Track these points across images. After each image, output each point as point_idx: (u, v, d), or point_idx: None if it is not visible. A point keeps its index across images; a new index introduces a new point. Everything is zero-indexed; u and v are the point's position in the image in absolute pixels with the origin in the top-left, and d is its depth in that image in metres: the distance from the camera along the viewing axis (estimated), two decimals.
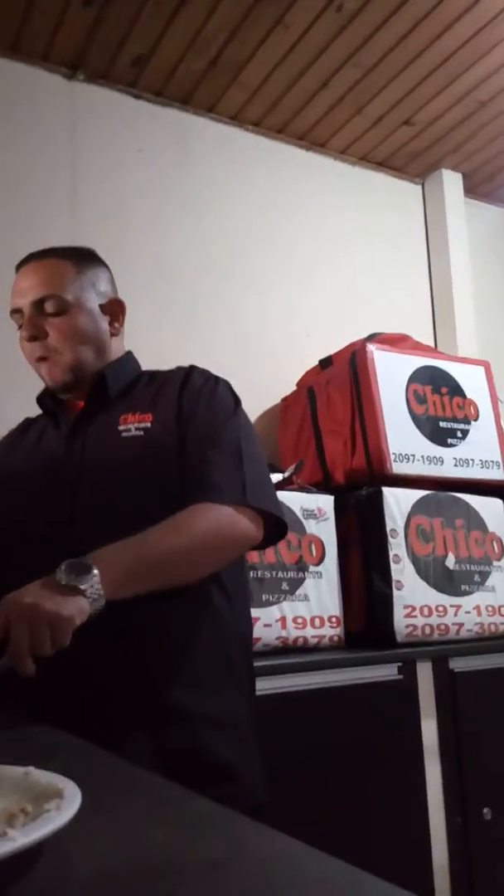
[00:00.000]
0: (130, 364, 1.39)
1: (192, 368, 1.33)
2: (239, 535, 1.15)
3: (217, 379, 1.31)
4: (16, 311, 1.31)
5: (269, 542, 1.24)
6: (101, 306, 1.33)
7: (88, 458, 1.24)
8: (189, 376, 1.29)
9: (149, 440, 1.21)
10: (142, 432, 1.22)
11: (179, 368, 1.34)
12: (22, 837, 0.47)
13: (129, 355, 1.39)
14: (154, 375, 1.36)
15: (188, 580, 1.13)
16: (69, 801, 0.52)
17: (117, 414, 1.26)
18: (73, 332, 1.28)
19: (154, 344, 1.96)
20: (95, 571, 0.98)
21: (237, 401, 1.29)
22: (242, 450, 1.20)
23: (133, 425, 1.23)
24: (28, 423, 1.44)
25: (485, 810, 1.97)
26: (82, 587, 0.96)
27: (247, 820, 0.58)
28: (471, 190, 3.36)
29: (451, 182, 3.26)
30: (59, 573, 0.97)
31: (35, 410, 1.42)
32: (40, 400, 1.39)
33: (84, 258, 1.35)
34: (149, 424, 1.23)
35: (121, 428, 1.24)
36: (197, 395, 1.25)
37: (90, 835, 0.53)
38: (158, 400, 1.27)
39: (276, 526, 1.22)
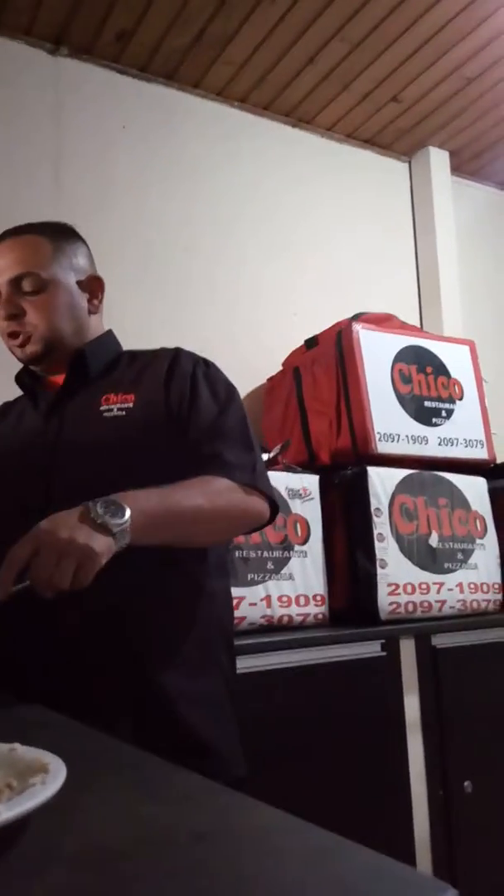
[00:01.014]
0: (111, 343, 1.37)
1: (179, 351, 1.31)
2: (254, 512, 1.17)
3: (206, 362, 1.30)
4: None
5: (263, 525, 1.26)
6: (79, 283, 1.31)
7: (65, 437, 1.22)
8: (177, 359, 1.27)
9: (130, 421, 1.20)
10: (123, 412, 1.21)
11: (164, 350, 1.32)
12: (7, 812, 0.47)
13: (109, 334, 1.38)
14: (136, 355, 1.34)
15: (203, 542, 1.17)
16: (54, 776, 0.53)
17: (99, 393, 1.24)
18: (50, 309, 1.26)
19: (140, 323, 1.95)
20: (128, 515, 0.98)
21: (231, 384, 1.29)
22: (249, 434, 1.22)
23: (115, 406, 1.22)
24: (7, 407, 1.42)
25: (466, 783, 2.00)
26: (114, 530, 0.96)
27: (232, 792, 0.59)
28: (458, 168, 3.34)
29: (438, 159, 3.24)
30: (93, 509, 0.96)
31: (15, 393, 1.41)
32: (19, 379, 1.37)
33: (61, 234, 1.33)
34: (130, 405, 1.21)
35: (102, 408, 1.22)
36: (189, 379, 1.23)
37: (75, 809, 0.54)
38: (142, 380, 1.25)
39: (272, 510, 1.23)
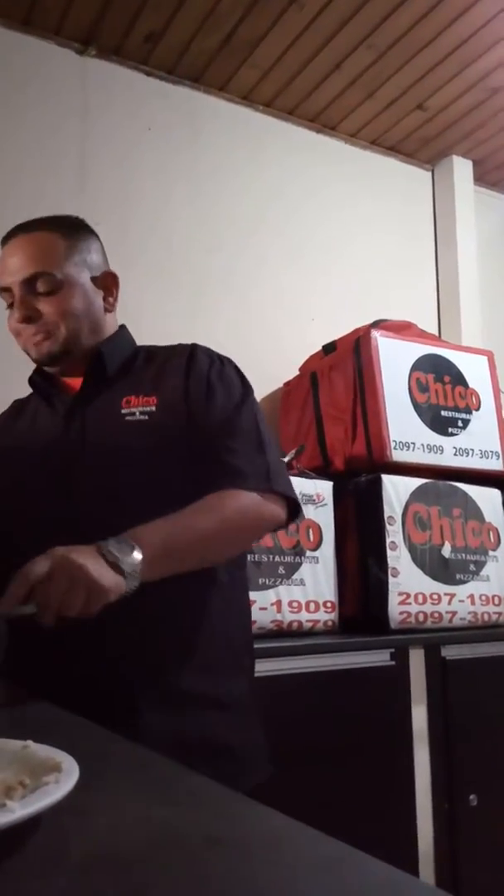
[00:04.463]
0: (126, 339, 1.33)
1: (195, 347, 1.27)
2: (266, 518, 1.16)
3: (222, 359, 1.27)
4: (4, 290, 1.23)
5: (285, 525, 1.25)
6: (93, 279, 1.26)
7: (89, 441, 1.20)
8: (193, 357, 1.24)
9: (153, 425, 1.17)
10: (146, 416, 1.18)
11: (181, 346, 1.29)
12: (21, 809, 0.47)
13: (123, 330, 1.33)
14: (152, 352, 1.30)
15: (216, 562, 1.15)
16: (67, 775, 0.53)
17: (119, 395, 1.22)
18: (67, 310, 1.22)
19: (157, 322, 1.95)
20: (139, 556, 0.98)
21: (246, 381, 1.26)
22: (262, 434, 1.19)
23: (137, 409, 1.19)
24: (20, 405, 1.38)
25: (471, 797, 1.99)
26: (126, 569, 0.97)
27: (244, 798, 0.59)
28: (481, 178, 3.33)
29: (462, 169, 3.23)
30: (105, 547, 0.97)
31: (26, 391, 1.37)
32: (32, 381, 1.33)
33: (74, 229, 1.27)
34: (153, 408, 1.19)
35: (124, 411, 1.19)
36: (206, 378, 1.21)
37: (88, 809, 0.54)
38: (162, 381, 1.22)
39: (292, 508, 1.21)
